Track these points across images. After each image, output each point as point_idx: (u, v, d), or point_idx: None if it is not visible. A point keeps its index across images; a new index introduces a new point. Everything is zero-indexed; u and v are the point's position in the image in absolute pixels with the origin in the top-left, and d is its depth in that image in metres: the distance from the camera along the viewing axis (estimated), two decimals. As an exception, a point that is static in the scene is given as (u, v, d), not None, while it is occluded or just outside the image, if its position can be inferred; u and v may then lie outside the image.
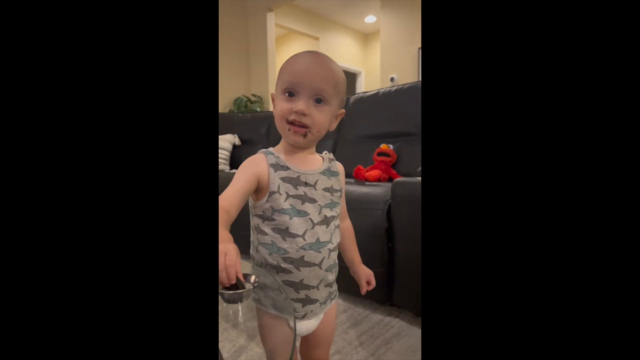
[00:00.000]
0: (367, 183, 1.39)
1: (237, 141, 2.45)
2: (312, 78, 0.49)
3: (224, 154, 2.38)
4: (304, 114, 0.50)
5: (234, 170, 2.31)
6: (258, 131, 2.39)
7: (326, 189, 0.56)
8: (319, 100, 0.51)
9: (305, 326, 0.58)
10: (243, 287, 0.40)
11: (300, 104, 0.50)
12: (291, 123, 0.51)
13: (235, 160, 2.41)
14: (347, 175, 1.58)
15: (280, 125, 0.53)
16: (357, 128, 1.83)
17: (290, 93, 0.50)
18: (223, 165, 2.36)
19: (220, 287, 0.39)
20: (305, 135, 0.52)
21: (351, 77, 5.58)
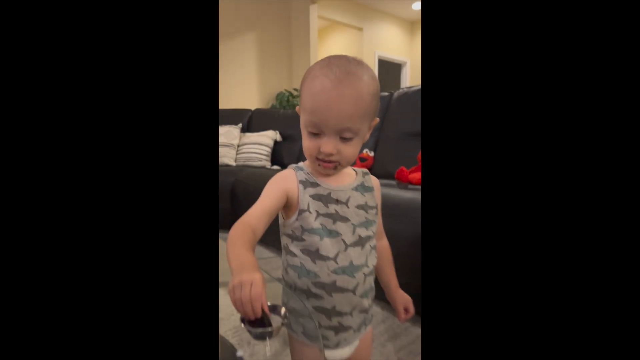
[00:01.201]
0: (410, 186, 1.30)
1: (278, 137, 2.45)
2: (336, 117, 0.44)
3: (265, 150, 2.40)
4: (331, 154, 0.46)
5: (275, 167, 2.31)
6: (299, 127, 2.37)
7: (360, 207, 0.51)
8: (345, 138, 0.46)
9: (339, 355, 0.53)
10: (269, 321, 0.37)
11: (327, 147, 0.46)
12: (320, 159, 0.47)
13: (276, 157, 2.42)
14: (389, 177, 1.50)
15: (309, 159, 0.50)
16: (401, 125, 1.73)
17: (315, 134, 0.46)
18: (264, 161, 2.38)
19: (245, 320, 0.36)
20: (335, 168, 0.49)
21: (396, 68, 5.38)
